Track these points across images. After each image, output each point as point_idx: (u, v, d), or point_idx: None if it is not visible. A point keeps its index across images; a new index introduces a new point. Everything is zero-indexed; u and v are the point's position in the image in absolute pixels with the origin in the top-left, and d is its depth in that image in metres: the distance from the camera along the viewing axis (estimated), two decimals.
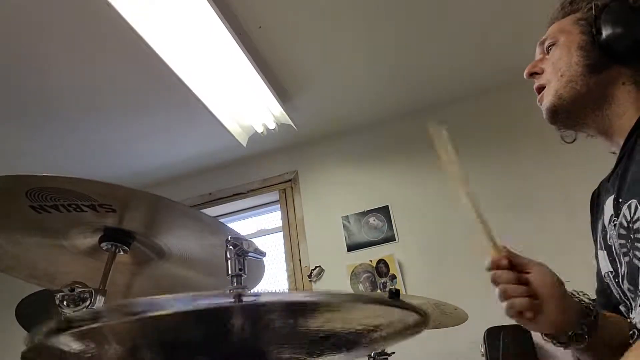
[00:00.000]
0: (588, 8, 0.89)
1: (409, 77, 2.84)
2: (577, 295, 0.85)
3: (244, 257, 0.68)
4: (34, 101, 2.58)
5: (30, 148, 2.96)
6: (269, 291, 0.51)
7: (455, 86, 2.96)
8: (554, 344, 0.83)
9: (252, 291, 0.57)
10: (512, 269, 0.82)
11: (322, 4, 2.23)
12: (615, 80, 0.86)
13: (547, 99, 0.92)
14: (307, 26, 2.36)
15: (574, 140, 1.01)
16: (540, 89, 0.95)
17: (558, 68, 0.90)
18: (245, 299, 0.49)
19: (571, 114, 0.90)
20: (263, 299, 0.52)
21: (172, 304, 0.47)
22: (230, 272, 0.67)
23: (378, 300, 0.56)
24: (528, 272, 0.81)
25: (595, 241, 0.96)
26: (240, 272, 0.67)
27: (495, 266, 0.82)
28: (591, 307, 0.84)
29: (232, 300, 0.49)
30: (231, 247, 0.68)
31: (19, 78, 2.40)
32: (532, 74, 0.97)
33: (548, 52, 0.95)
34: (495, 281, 0.82)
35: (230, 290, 0.63)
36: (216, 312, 0.51)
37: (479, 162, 2.90)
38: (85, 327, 0.48)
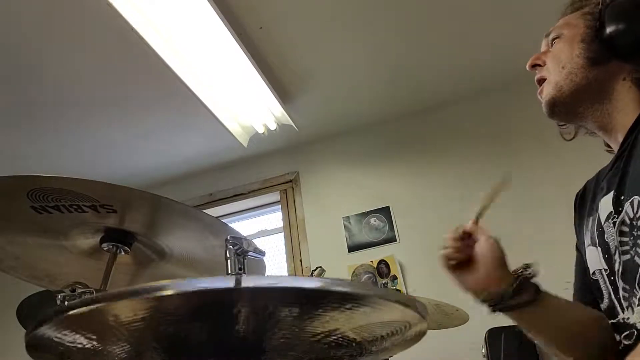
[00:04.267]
0: (596, 3, 0.88)
1: (410, 77, 2.84)
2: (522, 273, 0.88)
3: (244, 256, 0.68)
4: (34, 102, 2.58)
5: (30, 149, 2.96)
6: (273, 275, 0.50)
7: (456, 86, 2.96)
8: (479, 302, 0.88)
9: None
10: (466, 236, 0.90)
11: (323, 5, 2.22)
12: (615, 75, 0.86)
13: (547, 90, 0.91)
14: (307, 27, 2.36)
15: (574, 137, 1.01)
16: (541, 81, 0.94)
17: (559, 60, 0.90)
18: (245, 283, 0.48)
19: (570, 107, 0.90)
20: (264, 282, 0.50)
21: (171, 286, 0.46)
22: (230, 272, 0.66)
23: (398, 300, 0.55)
24: (475, 239, 0.89)
25: (579, 237, 0.96)
26: (240, 272, 0.66)
27: (452, 236, 0.90)
28: (524, 277, 0.85)
29: (234, 282, 0.48)
30: (231, 246, 0.67)
31: (19, 79, 2.40)
32: (534, 66, 0.97)
33: (552, 46, 0.95)
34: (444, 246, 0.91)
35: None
36: (218, 297, 0.50)
37: (479, 162, 2.90)
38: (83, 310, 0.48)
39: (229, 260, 0.67)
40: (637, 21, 0.82)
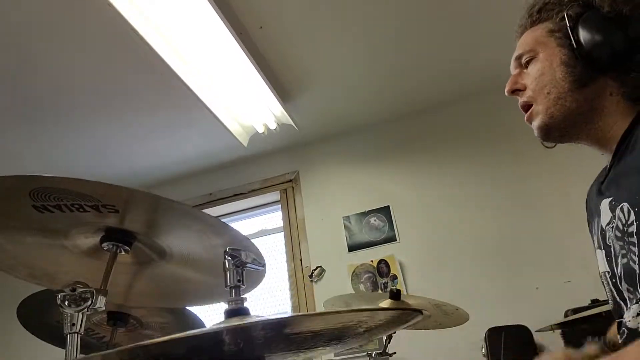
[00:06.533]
0: (560, 18, 0.87)
1: (410, 77, 2.84)
2: None
3: (242, 268, 0.68)
4: (35, 102, 2.58)
5: (31, 148, 2.96)
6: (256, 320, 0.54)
7: (456, 87, 2.96)
8: None
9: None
10: None
11: (323, 5, 2.22)
12: (602, 92, 0.85)
13: (538, 118, 0.90)
14: (307, 26, 2.36)
15: (555, 145, 1.00)
16: (526, 106, 0.93)
17: (543, 85, 0.89)
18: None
19: (564, 131, 0.90)
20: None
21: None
22: (229, 284, 0.67)
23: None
24: None
25: (592, 240, 0.96)
26: (238, 284, 0.67)
27: None
28: None
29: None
30: (229, 258, 0.67)
31: (20, 79, 2.40)
32: (514, 91, 0.95)
33: (526, 67, 0.94)
34: None
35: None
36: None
37: (479, 162, 2.90)
38: None
39: (227, 272, 0.67)
40: (611, 33, 0.81)
